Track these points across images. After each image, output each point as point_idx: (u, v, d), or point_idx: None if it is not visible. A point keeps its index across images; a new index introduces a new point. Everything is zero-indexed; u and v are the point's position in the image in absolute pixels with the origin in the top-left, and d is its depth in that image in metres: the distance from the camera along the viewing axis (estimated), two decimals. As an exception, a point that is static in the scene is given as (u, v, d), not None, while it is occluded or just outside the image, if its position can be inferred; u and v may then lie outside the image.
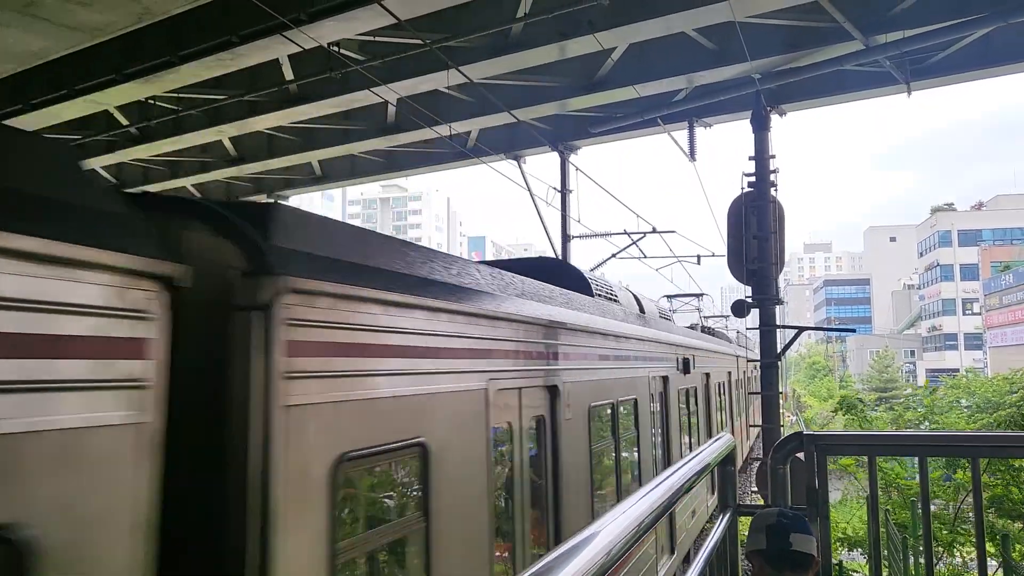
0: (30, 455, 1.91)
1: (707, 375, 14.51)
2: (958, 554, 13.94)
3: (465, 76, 12.54)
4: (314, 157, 20.43)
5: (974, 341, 77.62)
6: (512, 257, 29.56)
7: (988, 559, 10.34)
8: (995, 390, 23.34)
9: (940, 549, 13.54)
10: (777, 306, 13.43)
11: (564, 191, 18.93)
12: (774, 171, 13.23)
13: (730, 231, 13.24)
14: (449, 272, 4.21)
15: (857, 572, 14.11)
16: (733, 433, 12.67)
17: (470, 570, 4.00)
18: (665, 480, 2.35)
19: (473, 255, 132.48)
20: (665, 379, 9.99)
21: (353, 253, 3.31)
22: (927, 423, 22.13)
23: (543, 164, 19.27)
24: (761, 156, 13.18)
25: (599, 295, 8.20)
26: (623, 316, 8.37)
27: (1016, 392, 20.53)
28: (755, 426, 19.34)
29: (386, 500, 3.50)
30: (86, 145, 18.04)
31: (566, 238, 19.09)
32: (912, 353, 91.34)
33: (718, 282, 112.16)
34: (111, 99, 15.05)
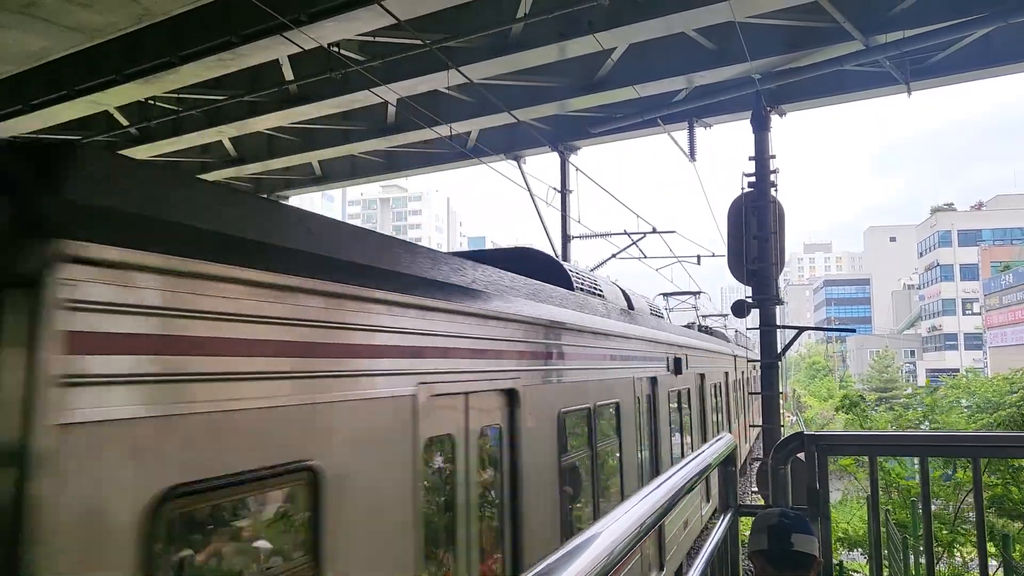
0: None
1: (702, 376, 13.97)
2: (958, 554, 13.93)
3: (465, 76, 12.56)
4: (314, 157, 20.46)
5: (974, 341, 77.66)
6: (512, 257, 29.33)
7: (989, 559, 10.35)
8: (995, 390, 23.44)
9: (940, 549, 13.52)
10: (777, 306, 13.44)
11: (564, 191, 18.95)
12: (774, 171, 13.26)
13: (730, 231, 13.26)
14: (358, 250, 3.43)
15: (857, 572, 14.12)
16: (732, 434, 12.51)
17: None
18: (666, 480, 2.32)
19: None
20: (654, 380, 9.37)
21: (200, 215, 2.46)
22: (927, 423, 22.15)
23: (543, 164, 19.32)
24: (761, 156, 13.21)
25: (580, 288, 7.68)
26: (605, 312, 7.80)
27: (1016, 392, 20.56)
28: (755, 426, 19.34)
29: (252, 545, 2.63)
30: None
31: (566, 238, 19.12)
32: (912, 353, 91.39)
33: (718, 282, 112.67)
34: (111, 100, 15.06)
